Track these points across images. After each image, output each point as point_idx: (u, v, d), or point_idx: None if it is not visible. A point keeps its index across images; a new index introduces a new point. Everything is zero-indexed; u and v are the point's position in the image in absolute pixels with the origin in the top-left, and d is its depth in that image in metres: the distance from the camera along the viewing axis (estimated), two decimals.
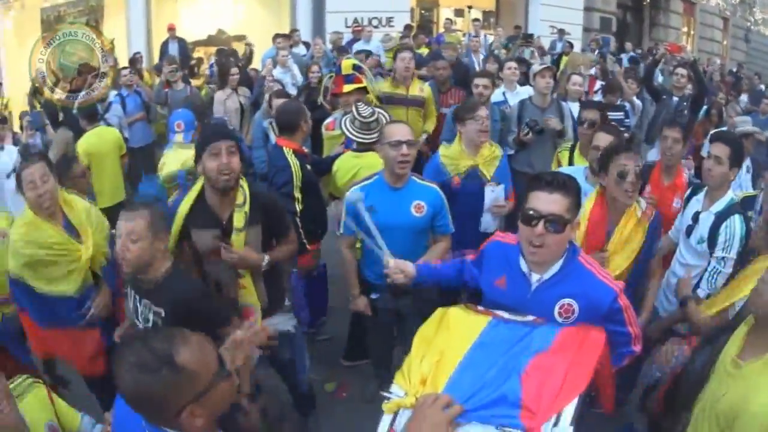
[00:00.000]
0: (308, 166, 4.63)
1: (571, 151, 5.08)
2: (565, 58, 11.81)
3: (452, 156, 4.63)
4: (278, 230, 3.66)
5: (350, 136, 4.70)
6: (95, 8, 15.98)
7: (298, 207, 4.46)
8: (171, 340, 1.78)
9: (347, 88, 5.37)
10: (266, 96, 6.86)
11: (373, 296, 4.05)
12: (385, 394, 2.25)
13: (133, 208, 3.09)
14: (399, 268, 3.11)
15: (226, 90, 8.04)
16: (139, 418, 1.84)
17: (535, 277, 2.65)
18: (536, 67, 7.01)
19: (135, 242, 2.95)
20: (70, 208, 3.98)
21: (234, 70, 8.25)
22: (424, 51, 11.04)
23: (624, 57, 14.44)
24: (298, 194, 4.45)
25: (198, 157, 3.36)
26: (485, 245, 2.94)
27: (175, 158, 4.50)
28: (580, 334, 2.38)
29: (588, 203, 3.63)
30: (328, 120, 5.68)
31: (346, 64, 5.51)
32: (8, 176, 6.53)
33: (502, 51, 12.19)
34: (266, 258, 3.52)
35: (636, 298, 3.74)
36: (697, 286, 3.68)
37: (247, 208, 3.43)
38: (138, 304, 3.16)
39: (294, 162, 4.47)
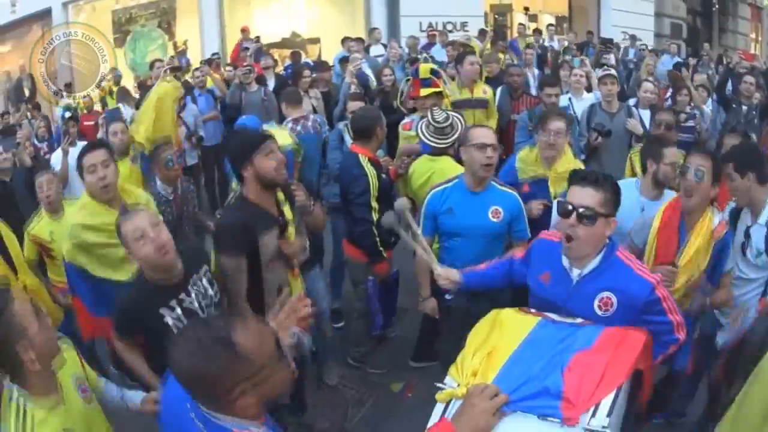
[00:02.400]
0: (383, 175, 4.66)
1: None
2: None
3: (526, 161, 4.59)
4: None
5: (425, 140, 4.71)
6: (167, 10, 16.34)
7: (375, 216, 4.48)
8: (230, 323, 1.83)
9: (424, 92, 5.37)
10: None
11: (447, 297, 4.07)
12: (439, 385, 2.39)
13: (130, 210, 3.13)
14: (445, 276, 3.27)
15: None
16: (185, 401, 1.88)
17: (575, 272, 2.80)
18: (599, 72, 6.96)
19: (156, 227, 2.97)
20: (128, 196, 4.07)
21: (306, 72, 8.28)
22: (502, 56, 10.90)
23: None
24: (375, 204, 4.48)
25: (245, 162, 3.37)
26: (532, 243, 3.12)
27: (279, 134, 4.49)
28: (621, 334, 2.47)
29: (660, 209, 3.66)
30: (405, 120, 5.73)
31: (424, 68, 5.51)
32: None
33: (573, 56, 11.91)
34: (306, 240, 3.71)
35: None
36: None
37: (287, 201, 3.59)
38: (184, 305, 3.08)
39: (371, 171, 4.49)
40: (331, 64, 10.40)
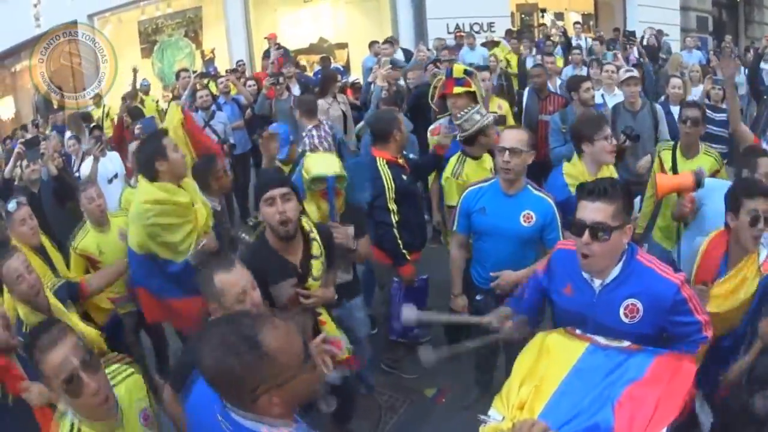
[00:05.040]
0: (404, 176, 4.62)
1: (674, 150, 4.90)
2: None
3: (575, 175, 4.36)
4: (331, 261, 3.63)
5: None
6: (193, 19, 16.49)
7: (394, 218, 4.47)
8: (258, 324, 1.81)
9: (457, 89, 5.37)
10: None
11: (477, 298, 4.06)
12: (483, 417, 2.36)
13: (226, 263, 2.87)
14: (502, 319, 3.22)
15: (327, 98, 7.74)
16: (213, 405, 1.89)
17: (597, 283, 2.75)
18: (622, 73, 6.85)
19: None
20: (185, 184, 4.10)
21: (337, 77, 8.25)
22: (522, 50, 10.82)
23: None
24: (392, 206, 4.48)
25: (257, 204, 3.35)
26: (552, 255, 3.07)
27: (322, 162, 4.38)
28: (673, 364, 2.41)
29: (709, 236, 3.46)
30: (434, 125, 5.69)
31: (458, 68, 5.47)
32: (110, 181, 6.77)
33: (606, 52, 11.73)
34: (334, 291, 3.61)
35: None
36: None
37: (323, 256, 3.45)
38: None
39: (386, 173, 4.49)
40: (359, 67, 10.36)
